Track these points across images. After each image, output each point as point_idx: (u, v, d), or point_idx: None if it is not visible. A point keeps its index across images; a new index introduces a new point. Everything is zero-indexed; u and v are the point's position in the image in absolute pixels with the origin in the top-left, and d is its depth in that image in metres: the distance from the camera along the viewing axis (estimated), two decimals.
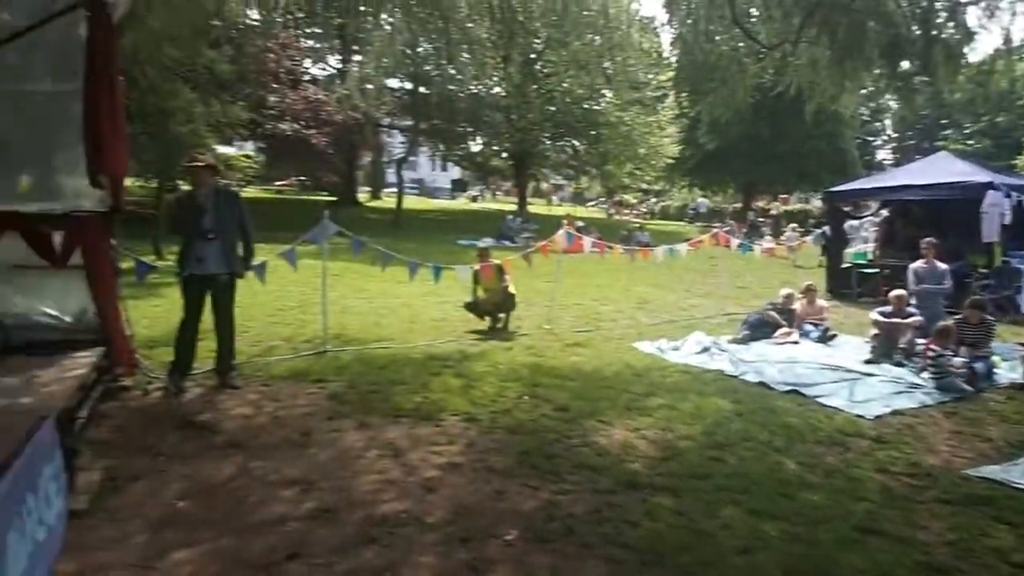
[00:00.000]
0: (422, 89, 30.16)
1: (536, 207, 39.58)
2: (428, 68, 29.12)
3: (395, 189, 31.29)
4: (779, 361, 7.51)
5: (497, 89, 31.26)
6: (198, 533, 3.56)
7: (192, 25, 11.02)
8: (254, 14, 17.78)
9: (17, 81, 5.74)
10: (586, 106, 31.34)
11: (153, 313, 8.50)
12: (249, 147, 33.31)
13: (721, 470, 4.56)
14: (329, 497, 3.99)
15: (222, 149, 24.16)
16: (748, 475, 4.48)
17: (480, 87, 30.72)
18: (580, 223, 22.32)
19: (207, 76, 15.25)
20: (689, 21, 9.65)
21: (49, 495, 3.04)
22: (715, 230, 12.97)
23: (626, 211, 43.21)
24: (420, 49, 26.17)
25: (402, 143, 37.22)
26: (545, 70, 30.37)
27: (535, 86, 29.85)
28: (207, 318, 6.02)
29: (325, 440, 4.87)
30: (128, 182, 6.71)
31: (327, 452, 4.67)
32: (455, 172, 55.29)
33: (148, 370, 6.03)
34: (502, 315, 8.88)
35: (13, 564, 2.45)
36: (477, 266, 8.91)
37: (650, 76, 33.00)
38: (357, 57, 27.64)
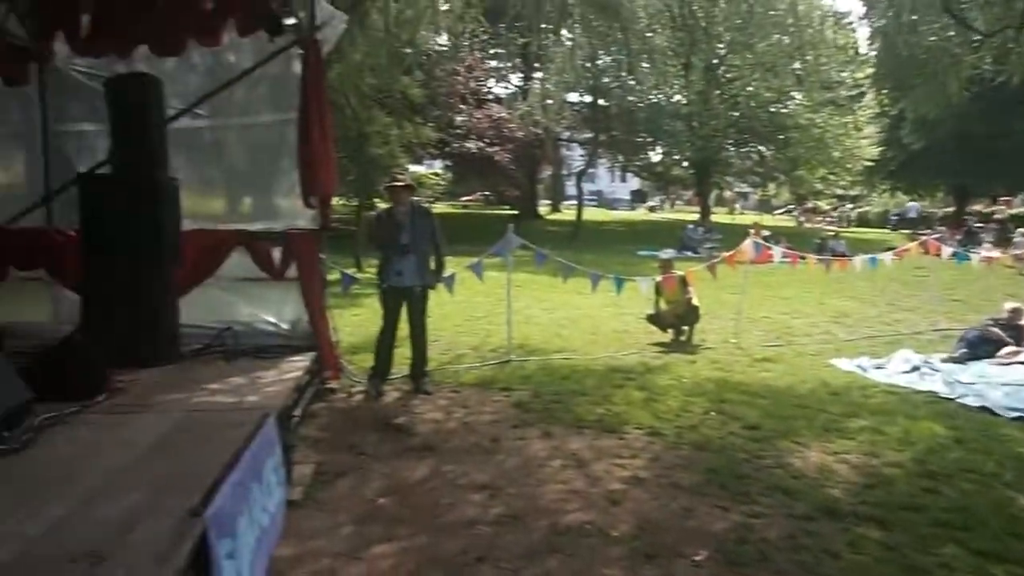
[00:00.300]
0: (601, 101, 30.30)
1: (718, 216, 38.21)
2: (607, 80, 29.22)
3: (575, 201, 31.59)
4: (1006, 383, 6.68)
5: (678, 97, 30.70)
6: (396, 529, 3.78)
7: (389, 55, 11.87)
8: (443, 40, 18.91)
9: (243, 114, 6.47)
10: (773, 109, 29.91)
11: (354, 321, 9.19)
12: (437, 165, 35.15)
13: (937, 503, 4.12)
14: (516, 503, 4.08)
15: (413, 168, 25.72)
16: (970, 510, 4.01)
17: (660, 96, 30.32)
18: (767, 232, 21.28)
19: (401, 101, 16.31)
20: (890, 13, 8.96)
21: (271, 485, 3.37)
22: (924, 237, 11.84)
23: (819, 218, 40.54)
24: (599, 62, 26.35)
25: (581, 156, 37.52)
26: (728, 75, 29.41)
27: (718, 92, 28.96)
28: (403, 327, 6.41)
29: (511, 447, 5.00)
30: (332, 201, 7.29)
31: (513, 459, 4.78)
32: (634, 183, 54.87)
33: (351, 374, 6.51)
34: (686, 328, 8.66)
35: (242, 546, 2.74)
36: (659, 277, 8.76)
37: (844, 74, 30.85)
38: (538, 74, 28.30)
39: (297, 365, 5.38)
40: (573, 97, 29.59)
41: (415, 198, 6.62)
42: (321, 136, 5.70)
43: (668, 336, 8.70)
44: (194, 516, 2.43)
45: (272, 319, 6.22)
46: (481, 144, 26.18)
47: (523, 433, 5.29)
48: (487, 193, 41.04)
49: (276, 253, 5.95)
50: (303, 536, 3.67)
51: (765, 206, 50.72)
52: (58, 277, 5.84)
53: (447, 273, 6.81)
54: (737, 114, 29.47)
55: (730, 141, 31.27)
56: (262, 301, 6.25)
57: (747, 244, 9.37)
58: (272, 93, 6.35)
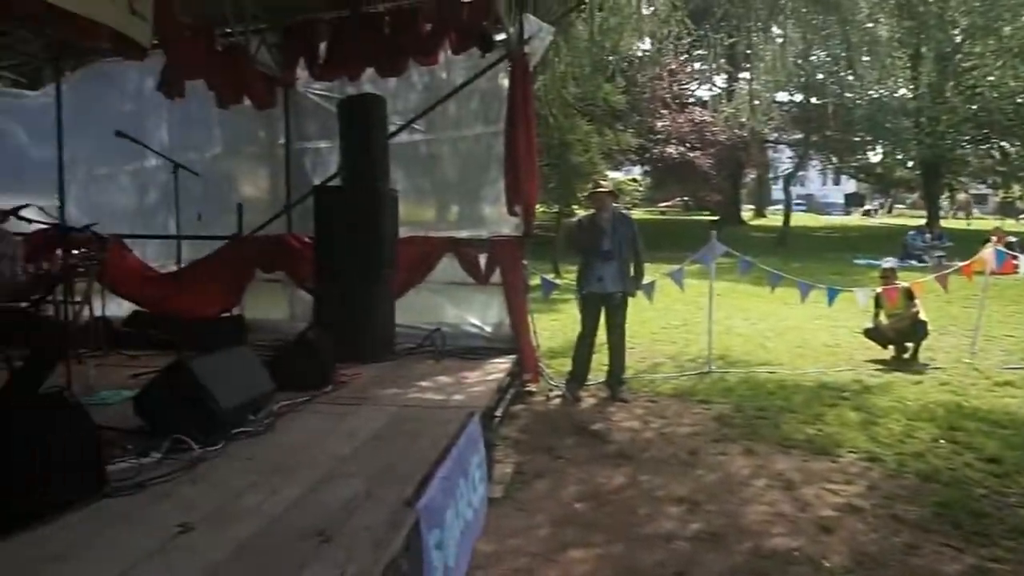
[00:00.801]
0: (814, 99, 28.41)
1: (947, 221, 34.37)
2: (821, 77, 27.33)
3: (781, 206, 29.93)
4: None
5: (903, 91, 28.00)
6: (592, 536, 3.79)
7: (592, 63, 11.99)
8: (645, 45, 18.76)
9: (455, 128, 6.85)
10: (1021, 100, 26.32)
11: (552, 326, 9.36)
12: (636, 171, 34.90)
13: None
14: (716, 521, 3.94)
15: (611, 174, 25.76)
16: None
17: (882, 91, 27.83)
18: (1012, 238, 18.81)
19: (602, 108, 16.39)
20: None
21: (475, 481, 3.52)
22: None
23: None
24: (812, 58, 24.74)
25: (790, 158, 35.48)
26: (965, 64, 26.32)
27: (952, 83, 26.03)
28: (600, 333, 6.43)
29: (711, 462, 4.83)
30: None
31: (713, 475, 4.62)
32: (849, 186, 50.94)
33: (549, 378, 6.63)
34: (910, 344, 7.87)
35: (449, 538, 2.89)
36: (880, 288, 8.06)
37: None
38: (745, 74, 27.16)
39: (499, 367, 5.61)
40: (782, 96, 27.99)
41: (616, 204, 6.62)
42: (527, 146, 5.91)
43: (888, 353, 7.96)
44: (408, 506, 2.60)
45: (476, 322, 6.53)
46: (682, 149, 25.65)
47: (724, 448, 5.09)
48: (686, 198, 40.09)
49: (482, 259, 6.24)
50: (502, 533, 3.79)
51: (1008, 209, 44.79)
52: (295, 279, 6.53)
53: (646, 280, 6.74)
54: (975, 107, 26.27)
55: (966, 138, 27.91)
56: (468, 304, 6.58)
57: (987, 252, 8.35)
58: (482, 107, 6.67)
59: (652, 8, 12.63)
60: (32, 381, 3.67)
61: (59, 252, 4.13)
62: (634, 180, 34.80)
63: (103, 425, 3.15)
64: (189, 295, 5.74)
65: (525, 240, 6.22)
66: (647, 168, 31.74)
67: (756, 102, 21.28)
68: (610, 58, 13.44)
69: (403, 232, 6.20)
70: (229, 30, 5.99)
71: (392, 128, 6.36)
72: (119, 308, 6.56)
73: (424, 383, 5.05)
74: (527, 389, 6.35)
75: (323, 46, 6.35)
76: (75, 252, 4.05)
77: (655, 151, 25.76)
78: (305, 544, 2.41)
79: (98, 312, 6.14)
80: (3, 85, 7.78)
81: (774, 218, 34.54)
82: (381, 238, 5.66)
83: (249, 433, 3.64)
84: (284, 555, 2.33)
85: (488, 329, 6.47)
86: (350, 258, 5.56)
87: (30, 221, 4.21)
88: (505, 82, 6.25)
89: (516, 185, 5.96)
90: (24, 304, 4.30)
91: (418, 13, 6.05)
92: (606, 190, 6.42)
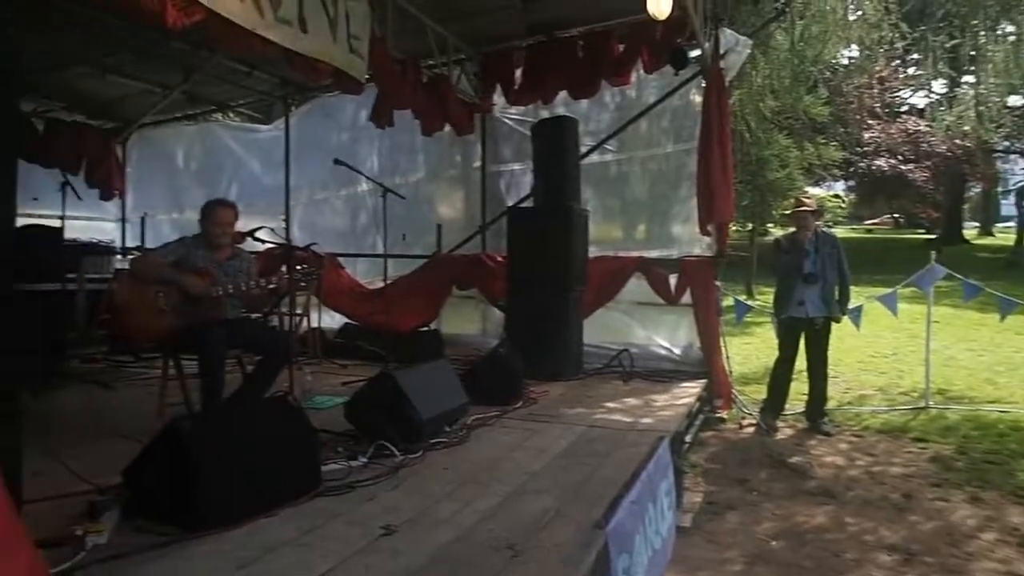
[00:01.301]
0: None
1: None
2: None
3: (1013, 223, 26.58)
4: None
5: None
6: None
7: (792, 74, 11.42)
8: (852, 52, 17.52)
9: (646, 146, 6.80)
10: None
11: (744, 351, 8.94)
12: (838, 187, 32.63)
13: None
14: (935, 575, 3.54)
15: (811, 190, 24.24)
16: None
17: None
18: None
19: (802, 121, 15.50)
20: None
21: (663, 508, 3.42)
22: None
23: None
24: None
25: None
26: None
27: None
28: (799, 360, 6.04)
29: (929, 508, 4.35)
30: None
31: (931, 523, 4.16)
32: None
33: (742, 405, 6.33)
34: None
35: (637, 564, 2.83)
36: None
37: None
38: (968, 78, 24.53)
39: (689, 391, 5.45)
40: (1015, 100, 24.87)
41: (818, 223, 6.20)
42: (722, 163, 5.74)
43: None
44: (598, 528, 2.58)
45: (665, 343, 6.41)
46: (893, 161, 23.57)
47: (944, 494, 4.57)
48: (896, 215, 36.82)
49: (672, 279, 6.11)
50: (691, 565, 3.65)
51: None
52: (487, 296, 6.78)
53: (853, 304, 6.24)
54: None
55: None
56: (656, 325, 6.48)
57: None
58: (673, 124, 6.58)
59: (860, 13, 11.80)
60: (261, 385, 4.10)
61: (284, 268, 4.57)
62: (836, 196, 32.55)
63: (318, 428, 3.43)
64: (393, 310, 6.14)
65: (718, 260, 6.01)
66: (851, 183, 29.56)
67: (983, 108, 19.12)
68: (812, 68, 12.70)
69: (593, 251, 6.24)
70: (432, 62, 6.37)
71: (584, 149, 6.45)
72: (332, 320, 7.17)
73: (611, 404, 5.02)
74: (718, 416, 6.10)
75: (518, 72, 6.58)
76: (298, 269, 4.45)
77: (861, 165, 23.89)
78: (497, 556, 2.47)
79: (315, 324, 6.78)
80: (242, 120, 8.87)
81: (1004, 236, 30.75)
82: (571, 257, 5.73)
83: (445, 443, 3.81)
84: (477, 565, 2.40)
85: (677, 351, 6.32)
86: (541, 276, 5.68)
87: (263, 241, 4.71)
88: (698, 99, 6.12)
89: (710, 203, 5.79)
90: (256, 315, 4.82)
91: (611, 35, 6.09)
92: (809, 208, 6.01)
